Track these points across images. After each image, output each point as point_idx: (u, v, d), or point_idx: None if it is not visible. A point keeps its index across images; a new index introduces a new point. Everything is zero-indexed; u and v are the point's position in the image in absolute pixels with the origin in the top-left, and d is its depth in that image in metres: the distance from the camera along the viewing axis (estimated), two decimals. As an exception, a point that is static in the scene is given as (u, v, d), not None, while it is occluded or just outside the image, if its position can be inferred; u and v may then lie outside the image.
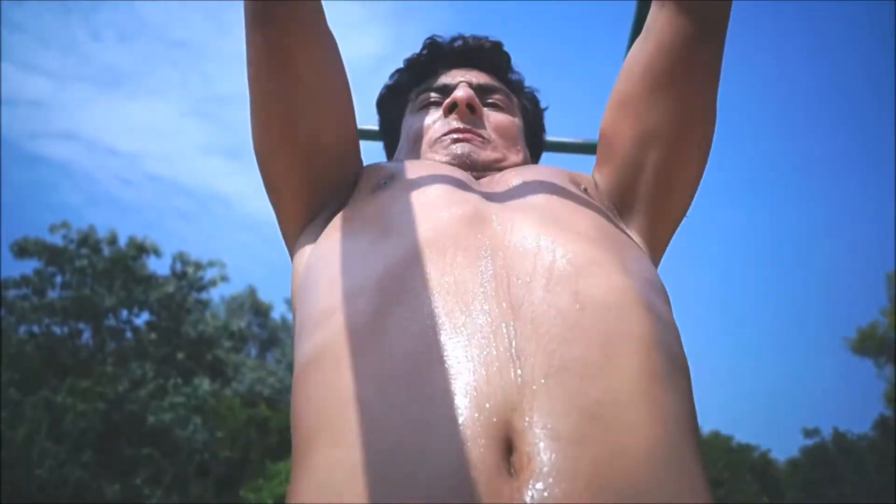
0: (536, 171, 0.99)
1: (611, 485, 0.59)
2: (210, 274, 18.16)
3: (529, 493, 0.57)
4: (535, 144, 1.22)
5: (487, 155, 1.05)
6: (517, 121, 1.14)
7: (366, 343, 0.71)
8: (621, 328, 0.71)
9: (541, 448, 0.60)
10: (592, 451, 0.60)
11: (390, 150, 1.25)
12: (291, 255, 0.98)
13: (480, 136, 1.06)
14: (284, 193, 0.97)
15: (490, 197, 0.89)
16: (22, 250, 16.47)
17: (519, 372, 0.65)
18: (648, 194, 0.96)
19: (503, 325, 0.69)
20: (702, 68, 0.95)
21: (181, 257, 17.98)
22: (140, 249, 17.26)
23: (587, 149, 1.60)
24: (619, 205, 0.98)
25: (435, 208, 0.85)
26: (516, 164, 1.06)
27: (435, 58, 1.19)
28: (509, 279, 0.73)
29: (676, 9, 0.94)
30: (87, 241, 16.95)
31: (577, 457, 0.59)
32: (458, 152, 1.03)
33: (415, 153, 1.08)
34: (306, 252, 0.92)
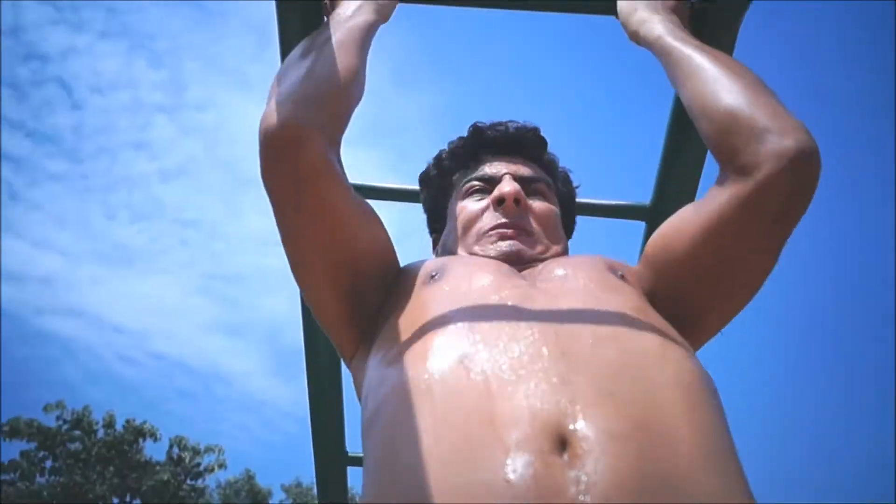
0: (576, 260, 1.06)
1: (656, 471, 0.66)
2: (207, 460, 17.54)
3: (578, 473, 0.64)
4: (568, 223, 1.29)
5: (533, 249, 1.10)
6: (556, 208, 1.20)
7: (425, 386, 0.78)
8: (664, 373, 0.79)
9: (591, 440, 0.67)
10: (639, 444, 0.67)
11: (432, 224, 1.32)
12: (350, 360, 1.05)
13: (526, 230, 1.12)
14: (339, 330, 1.03)
15: (534, 284, 0.96)
16: (13, 431, 15.94)
17: (572, 391, 0.72)
18: (680, 316, 0.96)
19: (555, 363, 0.76)
20: (763, 246, 0.93)
21: (179, 442, 17.39)
22: (138, 433, 16.69)
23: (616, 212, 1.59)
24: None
25: (485, 293, 0.91)
26: (557, 254, 1.13)
27: (477, 144, 1.25)
28: (557, 336, 0.80)
29: (745, 181, 0.88)
30: (81, 422, 16.43)
31: (625, 447, 0.67)
32: (506, 249, 1.09)
33: (463, 242, 1.15)
34: (370, 348, 0.96)
